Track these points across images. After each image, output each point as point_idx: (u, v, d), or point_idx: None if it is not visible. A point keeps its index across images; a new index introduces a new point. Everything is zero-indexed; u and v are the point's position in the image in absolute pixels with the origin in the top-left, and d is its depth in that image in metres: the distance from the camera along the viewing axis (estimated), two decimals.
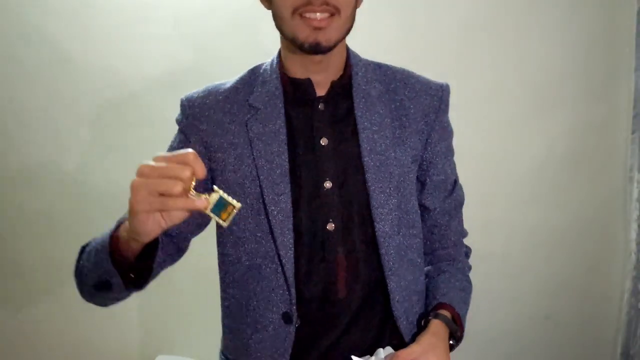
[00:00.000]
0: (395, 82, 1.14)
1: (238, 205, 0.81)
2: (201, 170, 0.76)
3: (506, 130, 2.01)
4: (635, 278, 2.02)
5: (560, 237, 2.08)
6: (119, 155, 1.93)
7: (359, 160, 1.08)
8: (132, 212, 0.78)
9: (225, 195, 0.80)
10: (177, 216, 0.80)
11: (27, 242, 1.98)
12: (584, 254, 2.11)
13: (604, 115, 2.03)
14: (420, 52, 1.93)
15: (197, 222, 1.15)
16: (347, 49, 1.13)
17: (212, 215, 0.80)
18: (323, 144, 1.08)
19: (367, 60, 1.15)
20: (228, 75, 1.82)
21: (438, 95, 1.15)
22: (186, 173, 0.75)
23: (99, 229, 1.93)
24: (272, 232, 1.06)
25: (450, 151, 1.21)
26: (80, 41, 1.88)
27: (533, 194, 2.05)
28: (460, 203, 1.24)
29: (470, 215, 1.96)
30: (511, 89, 1.98)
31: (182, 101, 1.15)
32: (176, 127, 1.16)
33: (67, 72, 1.89)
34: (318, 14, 0.97)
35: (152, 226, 0.79)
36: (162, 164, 0.76)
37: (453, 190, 1.22)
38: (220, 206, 0.80)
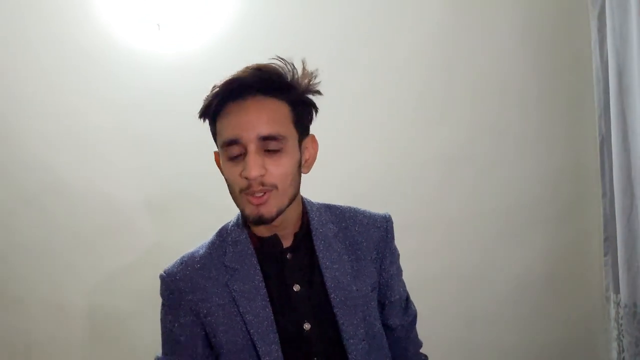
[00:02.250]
0: (345, 220, 1.26)
1: None
2: None
3: (487, 252, 2.09)
4: None
5: (542, 359, 2.11)
6: (111, 279, 1.97)
7: (327, 298, 1.18)
8: None
9: None
10: None
11: None
12: None
13: (577, 238, 2.13)
14: (404, 180, 2.06)
15: None
16: (302, 199, 1.24)
17: None
18: (296, 290, 1.18)
19: (318, 204, 1.27)
20: (217, 201, 1.91)
21: (384, 227, 1.27)
22: None
23: (89, 357, 1.94)
24: None
25: (400, 271, 1.32)
26: (77, 169, 1.97)
27: (514, 315, 2.10)
28: (415, 317, 1.35)
29: (454, 337, 2.02)
30: (488, 214, 2.09)
31: (163, 277, 1.21)
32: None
33: (64, 198, 1.97)
34: (257, 193, 1.09)
35: None
36: None
37: (407, 306, 1.33)
38: None
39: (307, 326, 1.16)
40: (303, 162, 1.16)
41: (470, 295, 2.08)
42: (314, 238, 1.20)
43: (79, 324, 1.98)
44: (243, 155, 1.08)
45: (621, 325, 2.00)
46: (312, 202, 1.26)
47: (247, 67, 1.10)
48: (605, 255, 2.07)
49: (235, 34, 1.99)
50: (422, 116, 2.07)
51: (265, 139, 1.08)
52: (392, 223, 1.28)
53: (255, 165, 1.06)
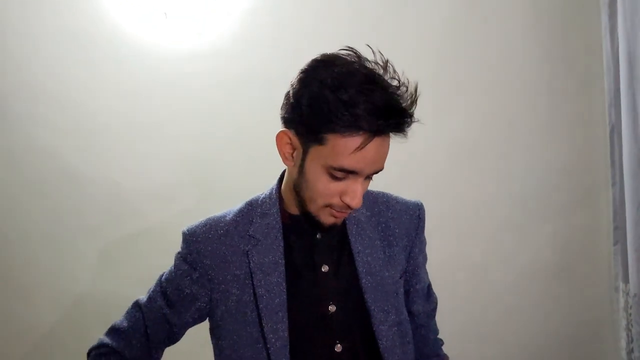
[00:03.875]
0: (378, 205, 1.25)
1: None
2: None
3: (495, 241, 2.09)
4: None
5: (551, 347, 2.11)
6: (118, 266, 1.97)
7: (357, 283, 1.16)
8: None
9: None
10: None
11: (20, 357, 1.97)
12: None
13: (587, 227, 2.13)
14: (413, 168, 2.05)
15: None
16: None
17: None
18: (324, 270, 1.16)
19: None
20: (224, 189, 1.92)
21: (416, 214, 1.26)
22: None
23: (91, 342, 1.95)
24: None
25: (425, 260, 1.32)
26: (84, 157, 1.96)
27: (523, 304, 2.10)
28: (436, 305, 1.34)
29: (464, 325, 2.02)
30: (498, 203, 2.09)
31: (185, 234, 1.20)
32: (169, 242, 1.25)
33: (71, 186, 1.97)
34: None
35: None
36: None
37: (429, 294, 1.32)
38: None
39: (332, 308, 1.14)
40: None
41: (479, 284, 2.08)
42: (347, 222, 1.18)
43: (85, 311, 1.97)
44: (347, 177, 1.04)
45: (630, 314, 2.00)
46: None
47: (407, 91, 1.02)
48: (614, 244, 2.07)
49: (246, 28, 1.98)
50: (431, 106, 2.04)
51: (376, 172, 1.07)
52: (424, 211, 1.28)
53: (362, 198, 1.05)
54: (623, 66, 1.92)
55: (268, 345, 1.11)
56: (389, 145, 1.06)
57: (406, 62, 2.00)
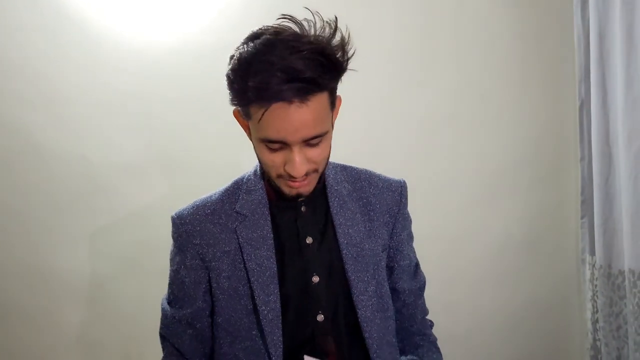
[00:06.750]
0: (360, 181, 1.28)
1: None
2: None
3: (465, 216, 2.11)
4: (592, 357, 2.09)
5: (519, 318, 2.16)
6: (87, 242, 1.95)
7: (339, 254, 1.20)
8: None
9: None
10: None
11: None
12: (543, 334, 2.18)
13: (555, 201, 2.17)
14: (384, 142, 2.06)
15: None
16: None
17: None
18: (308, 242, 1.19)
19: (334, 164, 1.28)
20: (197, 164, 1.90)
21: (398, 191, 1.29)
22: None
23: (68, 321, 1.94)
24: (262, 331, 1.15)
25: (411, 237, 1.34)
26: (53, 131, 1.92)
27: (493, 275, 2.14)
28: (423, 284, 1.37)
29: (435, 297, 2.04)
30: (468, 176, 2.11)
31: (173, 219, 1.23)
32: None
33: (39, 161, 1.92)
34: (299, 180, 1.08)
35: None
36: None
37: (416, 272, 1.35)
38: None
39: (315, 279, 1.18)
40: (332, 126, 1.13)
41: (449, 257, 2.11)
42: (329, 195, 1.21)
43: (56, 287, 1.95)
44: (284, 147, 1.04)
45: (596, 286, 2.05)
46: (329, 161, 1.24)
47: (302, 52, 0.97)
48: (582, 218, 2.11)
49: (218, 5, 1.95)
50: (404, 79, 2.05)
51: (310, 139, 1.04)
52: (406, 189, 1.31)
53: (301, 165, 1.04)
54: (593, 42, 1.93)
55: (261, 317, 1.15)
56: (305, 114, 1.00)
57: (379, 37, 2.01)
